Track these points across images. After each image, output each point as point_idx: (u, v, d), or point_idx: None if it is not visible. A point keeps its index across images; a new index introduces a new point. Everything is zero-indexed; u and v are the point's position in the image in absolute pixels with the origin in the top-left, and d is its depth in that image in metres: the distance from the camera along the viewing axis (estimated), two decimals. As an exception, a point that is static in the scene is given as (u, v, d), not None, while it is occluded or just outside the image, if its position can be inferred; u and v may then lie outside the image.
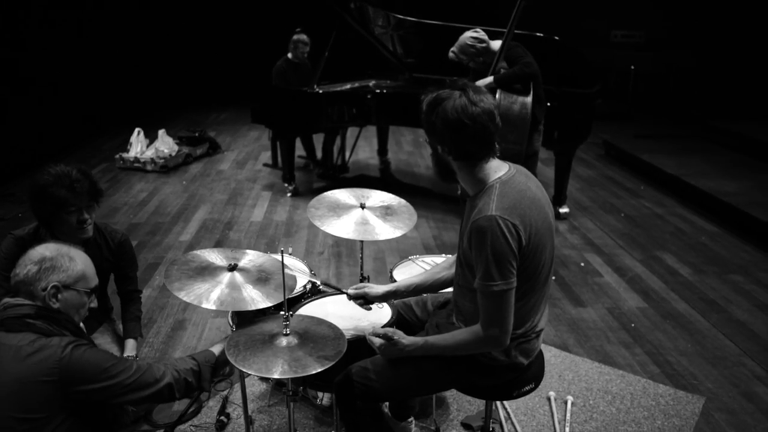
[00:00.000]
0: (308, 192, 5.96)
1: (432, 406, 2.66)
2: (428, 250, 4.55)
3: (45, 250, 1.70)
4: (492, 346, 1.73)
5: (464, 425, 2.64)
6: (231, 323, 2.36)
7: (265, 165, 6.89)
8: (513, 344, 1.77)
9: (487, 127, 1.71)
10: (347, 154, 6.60)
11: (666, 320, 3.56)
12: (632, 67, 9.14)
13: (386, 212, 2.69)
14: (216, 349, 1.90)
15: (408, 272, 2.68)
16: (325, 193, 2.75)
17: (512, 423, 2.66)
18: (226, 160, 7.13)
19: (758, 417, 2.73)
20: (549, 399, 2.81)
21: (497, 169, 1.78)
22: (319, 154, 6.67)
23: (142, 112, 9.12)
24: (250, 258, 2.17)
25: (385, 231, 2.55)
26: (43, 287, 1.64)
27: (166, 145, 6.63)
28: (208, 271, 2.10)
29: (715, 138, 7.26)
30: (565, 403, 2.78)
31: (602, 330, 3.44)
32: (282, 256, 1.88)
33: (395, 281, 2.53)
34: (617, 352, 3.23)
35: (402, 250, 4.58)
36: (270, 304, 1.98)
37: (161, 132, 6.68)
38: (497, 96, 3.83)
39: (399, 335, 1.82)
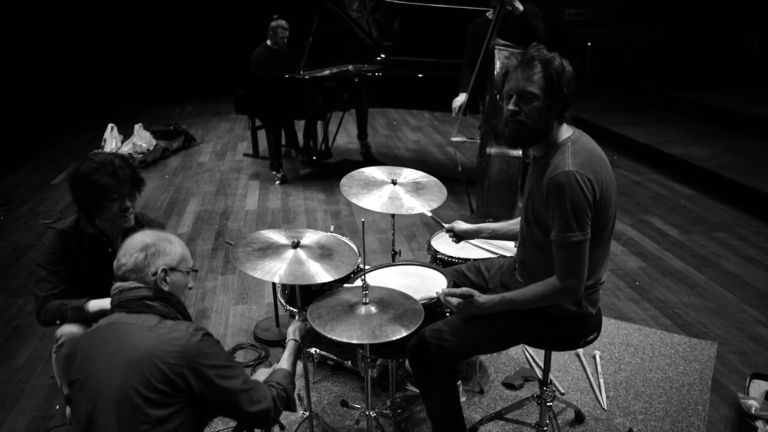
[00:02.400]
0: (296, 179, 5.97)
1: (476, 369, 2.78)
2: (428, 227, 4.65)
3: (144, 237, 1.72)
4: (569, 295, 1.84)
5: (506, 385, 2.77)
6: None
7: (246, 155, 6.84)
8: (583, 294, 1.89)
9: None
10: (330, 139, 6.62)
11: (666, 277, 3.79)
12: (588, 44, 9.46)
13: (417, 188, 2.77)
14: (288, 365, 1.86)
15: (444, 242, 2.78)
16: (357, 171, 2.81)
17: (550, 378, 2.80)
18: (204, 153, 7.03)
19: (767, 356, 2.97)
20: (578, 355, 2.98)
21: (565, 130, 1.89)
22: (299, 141, 6.67)
23: (103, 109, 8.86)
24: (308, 236, 2.23)
25: (417, 205, 2.63)
26: (153, 272, 1.66)
27: (143, 139, 6.48)
28: (272, 249, 2.15)
29: (676, 108, 7.64)
30: (594, 357, 2.95)
31: (611, 289, 3.64)
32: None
33: (434, 250, 2.65)
34: (629, 308, 3.43)
35: (402, 227, 4.67)
36: (333, 278, 2.04)
37: (137, 126, 6.53)
38: (497, 72, 3.92)
39: (475, 293, 1.92)
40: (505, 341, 2.04)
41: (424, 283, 2.33)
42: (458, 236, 2.45)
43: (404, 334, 1.81)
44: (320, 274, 2.02)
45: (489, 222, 2.44)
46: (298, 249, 2.15)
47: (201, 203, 5.33)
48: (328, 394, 2.74)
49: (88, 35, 9.44)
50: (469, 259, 2.55)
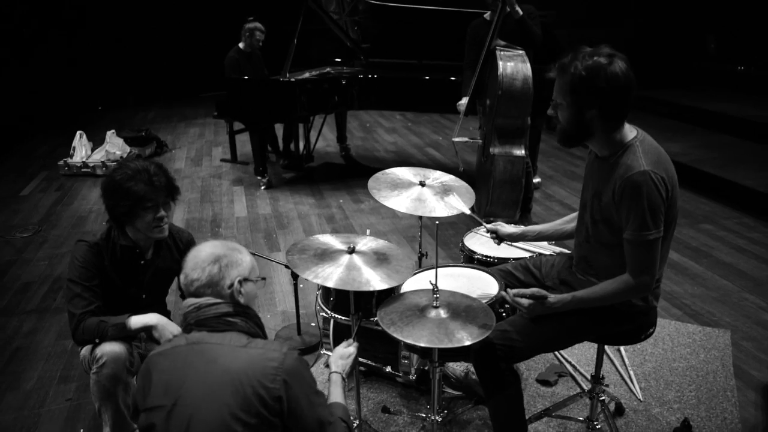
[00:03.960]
0: (281, 184, 5.87)
1: (512, 367, 2.80)
2: (427, 228, 4.65)
3: (213, 248, 1.62)
4: (642, 292, 1.88)
5: (540, 381, 2.80)
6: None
7: (224, 160, 6.67)
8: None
9: (636, 90, 1.83)
10: (312, 143, 6.54)
11: (667, 269, 3.91)
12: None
13: (445, 190, 2.76)
14: (343, 399, 1.74)
15: (476, 241, 2.79)
16: (383, 171, 2.80)
17: (581, 373, 2.85)
18: (179, 159, 6.81)
19: (777, 340, 3.12)
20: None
21: (629, 129, 1.92)
22: (279, 145, 6.56)
23: (64, 115, 8.47)
24: (364, 242, 2.19)
25: (454, 205, 2.61)
26: (229, 285, 1.57)
27: (116, 146, 6.23)
28: (328, 254, 2.10)
29: (642, 106, 7.91)
30: (619, 350, 3.02)
31: (619, 283, 3.73)
32: (436, 235, 1.92)
33: (469, 250, 2.65)
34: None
35: (401, 229, 4.66)
36: (390, 285, 2.01)
37: (110, 133, 6.26)
38: (499, 73, 3.95)
39: (548, 294, 1.93)
40: (571, 339, 2.05)
41: (473, 284, 2.33)
42: (501, 238, 2.44)
43: (483, 336, 1.79)
44: (375, 280, 1.99)
45: (532, 225, 2.44)
46: (354, 255, 2.11)
47: (187, 211, 5.16)
48: (366, 401, 2.69)
49: (45, 40, 9.00)
50: (508, 259, 2.57)
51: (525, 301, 1.95)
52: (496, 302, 2.14)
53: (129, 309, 2.25)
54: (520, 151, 4.04)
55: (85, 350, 2.31)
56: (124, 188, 2.12)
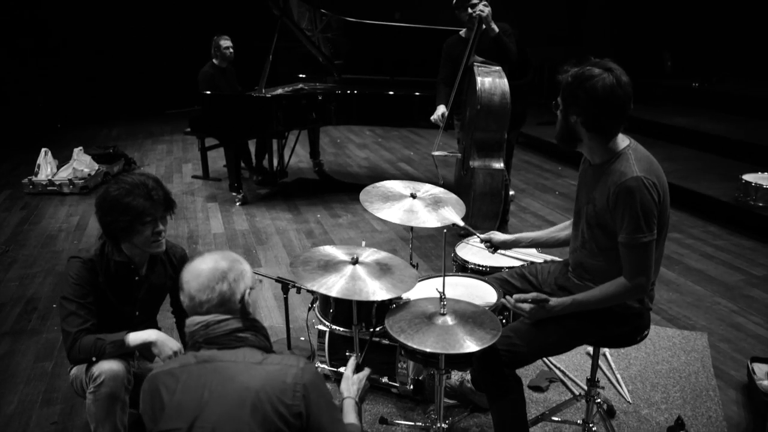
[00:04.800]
0: (256, 200, 5.83)
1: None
2: (406, 242, 4.69)
3: (215, 263, 1.53)
4: (639, 293, 1.95)
5: (532, 387, 2.85)
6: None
7: (195, 177, 6.58)
8: (645, 292, 2.00)
9: (626, 108, 1.91)
10: (286, 158, 6.52)
11: (641, 276, 4.05)
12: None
13: (435, 202, 2.81)
14: (357, 421, 1.71)
15: (468, 251, 2.83)
16: (376, 184, 2.83)
17: (570, 378, 2.92)
18: (148, 176, 6.67)
19: (750, 342, 3.25)
20: (588, 354, 3.11)
21: (622, 138, 2.01)
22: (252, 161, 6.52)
23: (25, 134, 8.23)
24: (368, 253, 2.22)
25: (432, 219, 2.64)
26: (239, 299, 1.53)
27: (83, 164, 6.07)
28: (331, 264, 2.12)
29: (603, 121, 8.18)
30: (604, 355, 3.10)
31: (598, 291, 3.84)
32: (444, 242, 1.95)
33: (462, 259, 2.69)
34: (619, 308, 3.63)
35: (382, 242, 4.69)
36: (393, 295, 2.04)
37: (77, 150, 6.11)
38: (478, 88, 4.05)
39: (549, 298, 1.98)
40: (572, 342, 2.11)
41: (472, 292, 2.37)
42: (495, 246, 2.50)
43: (493, 340, 1.83)
44: (380, 290, 2.02)
45: (526, 233, 2.51)
46: (357, 266, 2.13)
47: (162, 228, 5.05)
48: (363, 413, 2.68)
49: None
50: (501, 268, 2.62)
51: (527, 306, 2.00)
52: (496, 309, 2.18)
53: (122, 326, 2.21)
54: (499, 164, 4.13)
55: (77, 370, 2.25)
56: (122, 203, 2.09)
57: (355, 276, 2.08)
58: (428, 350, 1.78)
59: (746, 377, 2.88)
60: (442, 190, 2.87)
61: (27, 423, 2.66)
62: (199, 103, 5.33)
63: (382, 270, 2.13)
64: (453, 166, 5.13)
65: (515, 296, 2.04)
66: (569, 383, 2.89)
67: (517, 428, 2.11)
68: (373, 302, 2.40)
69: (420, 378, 2.71)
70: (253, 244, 4.71)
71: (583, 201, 2.09)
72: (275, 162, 6.39)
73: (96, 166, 6.20)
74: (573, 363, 3.05)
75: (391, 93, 5.55)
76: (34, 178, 5.98)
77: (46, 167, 6.07)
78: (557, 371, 2.98)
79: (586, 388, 2.82)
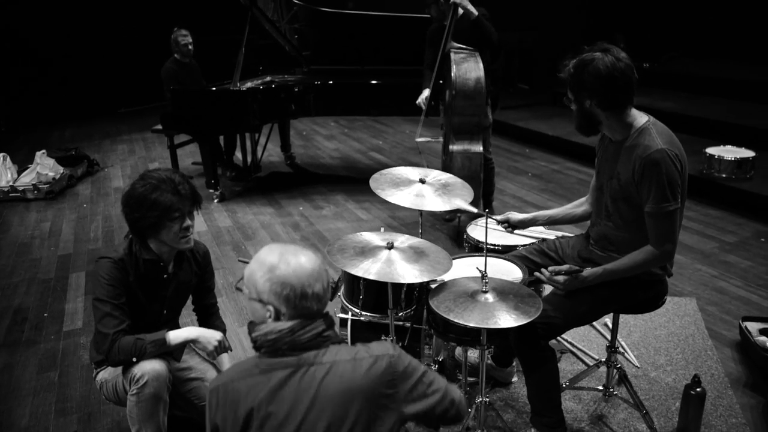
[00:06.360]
0: (234, 196, 5.74)
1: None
2: (393, 229, 4.74)
3: (304, 262, 1.42)
4: (666, 259, 2.07)
5: (545, 360, 2.96)
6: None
7: (165, 176, 6.40)
8: (666, 257, 2.13)
9: (631, 78, 2.01)
10: (259, 153, 6.44)
11: (625, 249, 4.24)
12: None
13: (444, 188, 2.87)
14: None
15: (480, 231, 2.91)
16: (381, 171, 2.86)
17: (579, 348, 3.05)
18: (114, 177, 6.47)
19: (735, 303, 3.48)
20: (592, 325, 3.25)
21: (639, 114, 2.11)
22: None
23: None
24: (402, 239, 2.26)
25: (441, 204, 2.70)
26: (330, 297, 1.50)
27: (47, 167, 5.82)
28: (368, 250, 2.15)
29: (561, 103, 8.43)
30: (606, 325, 3.25)
31: (587, 265, 4.00)
32: (486, 220, 2.02)
33: (474, 240, 2.76)
34: (610, 280, 3.80)
35: (371, 231, 4.71)
36: (426, 279, 2.09)
37: (39, 154, 5.85)
38: (453, 74, 4.14)
39: (578, 268, 2.08)
40: (602, 310, 2.22)
41: (496, 270, 2.43)
42: (513, 226, 2.58)
43: (537, 314, 1.91)
44: (407, 275, 2.07)
45: (542, 211, 2.60)
46: (392, 250, 2.17)
47: (141, 229, 4.92)
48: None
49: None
50: (515, 246, 2.70)
51: (561, 278, 2.09)
52: (527, 285, 2.26)
53: (149, 326, 2.18)
54: (477, 147, 4.22)
55: (109, 374, 2.21)
56: (150, 200, 2.06)
57: (392, 260, 2.12)
58: (490, 327, 1.83)
59: (739, 336, 3.08)
60: (449, 175, 2.93)
61: (45, 434, 2.58)
62: (161, 99, 5.18)
63: (417, 254, 2.17)
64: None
65: (550, 269, 2.12)
66: (579, 353, 3.02)
67: (553, 397, 2.22)
68: (402, 287, 2.44)
69: (441, 359, 2.78)
70: (240, 239, 4.66)
71: (606, 176, 2.19)
72: (249, 157, 6.29)
73: (60, 170, 5.95)
74: (579, 334, 3.18)
75: (375, 82, 5.54)
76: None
77: (5, 173, 5.79)
78: (566, 343, 3.11)
79: (595, 356, 2.98)
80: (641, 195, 2.04)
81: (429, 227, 4.70)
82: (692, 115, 6.62)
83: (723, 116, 6.51)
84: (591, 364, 2.87)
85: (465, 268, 2.47)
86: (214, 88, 5.24)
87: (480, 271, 2.02)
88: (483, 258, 2.58)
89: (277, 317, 1.43)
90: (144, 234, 2.14)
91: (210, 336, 2.12)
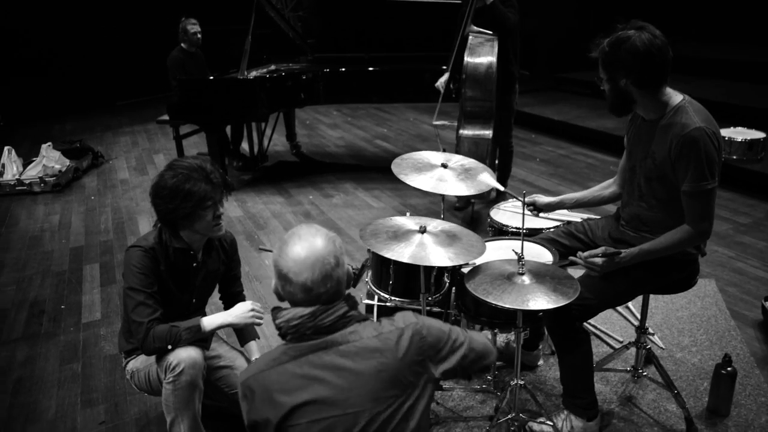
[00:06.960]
0: (242, 186, 5.72)
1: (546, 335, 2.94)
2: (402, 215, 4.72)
3: (321, 244, 1.41)
4: (703, 238, 2.06)
5: (570, 343, 2.96)
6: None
7: (171, 167, 6.36)
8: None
9: (667, 55, 2.00)
10: (266, 143, 6.41)
11: (639, 232, 4.24)
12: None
13: (467, 172, 2.85)
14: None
15: (503, 215, 2.89)
16: (402, 156, 2.84)
17: (602, 331, 3.05)
18: (120, 169, 6.43)
19: (755, 284, 3.48)
20: (614, 308, 3.25)
21: (674, 93, 2.09)
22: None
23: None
24: (435, 224, 2.25)
25: (463, 188, 2.68)
26: (348, 280, 1.48)
27: (53, 160, 5.77)
28: (400, 234, 2.14)
29: (566, 88, 8.42)
30: (627, 307, 3.25)
31: (604, 248, 4.00)
32: (523, 205, 2.00)
33: (499, 224, 2.74)
34: (627, 262, 3.80)
35: (373, 219, 4.69)
36: (458, 263, 2.08)
37: (45, 146, 5.79)
38: (465, 58, 4.11)
39: (615, 250, 2.07)
40: (636, 290, 2.22)
41: (528, 253, 2.42)
42: (539, 209, 2.57)
43: (575, 295, 1.90)
44: (438, 258, 2.05)
45: (569, 194, 2.58)
46: (425, 234, 2.15)
47: (152, 220, 4.88)
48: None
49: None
50: (540, 229, 2.69)
51: (598, 260, 2.08)
52: (563, 267, 2.26)
53: (179, 315, 2.17)
54: (486, 132, 4.20)
55: (141, 363, 2.20)
56: (183, 190, 2.03)
57: (425, 244, 2.10)
58: (530, 309, 1.82)
59: (761, 315, 3.09)
60: (471, 160, 2.91)
61: (73, 426, 2.56)
62: (165, 90, 5.14)
63: (449, 237, 2.16)
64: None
65: (585, 252, 2.11)
66: (603, 336, 3.02)
67: (587, 378, 2.22)
68: (431, 271, 2.43)
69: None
70: (252, 229, 4.64)
71: (639, 157, 2.17)
72: (256, 147, 6.25)
73: (66, 162, 5.91)
74: (602, 318, 3.18)
75: (387, 69, 5.48)
76: (1, 179, 5.64)
77: (11, 166, 5.73)
78: (589, 326, 3.10)
79: (620, 339, 2.98)
80: (677, 174, 2.02)
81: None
82: (697, 97, 6.59)
83: (726, 98, 6.50)
84: (617, 347, 2.88)
85: (493, 251, 2.45)
86: (222, 78, 5.19)
87: (516, 253, 2.01)
88: (509, 241, 2.62)
89: (294, 303, 1.43)
90: (176, 224, 2.12)
91: (242, 314, 2.11)
